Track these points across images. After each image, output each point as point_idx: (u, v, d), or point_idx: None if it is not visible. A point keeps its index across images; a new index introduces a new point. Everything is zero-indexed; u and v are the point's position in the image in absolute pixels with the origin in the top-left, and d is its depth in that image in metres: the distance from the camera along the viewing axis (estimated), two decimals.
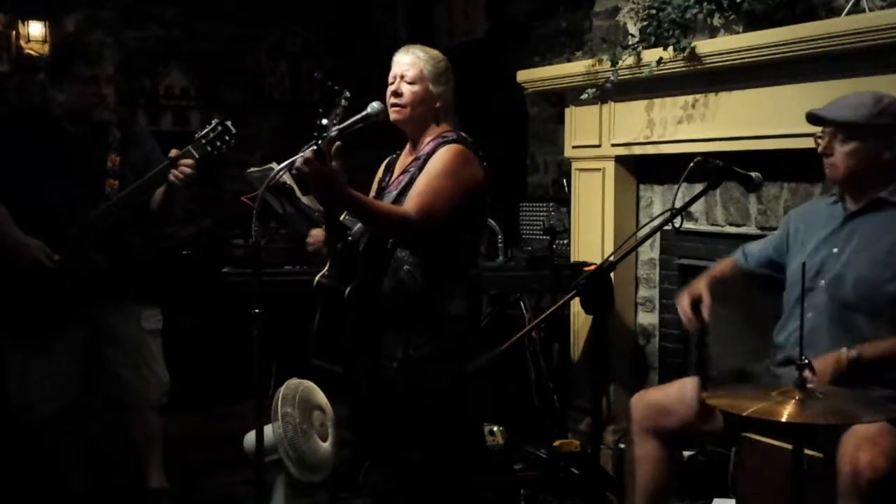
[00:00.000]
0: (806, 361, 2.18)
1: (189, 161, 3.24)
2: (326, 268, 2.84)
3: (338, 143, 2.60)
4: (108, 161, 3.37)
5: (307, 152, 2.53)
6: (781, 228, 3.03)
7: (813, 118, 2.78)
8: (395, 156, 3.01)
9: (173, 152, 3.26)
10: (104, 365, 3.45)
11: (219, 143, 3.31)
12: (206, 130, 3.31)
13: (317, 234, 2.94)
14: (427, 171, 2.74)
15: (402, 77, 2.82)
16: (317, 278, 2.84)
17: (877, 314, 2.66)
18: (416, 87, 2.80)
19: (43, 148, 3.29)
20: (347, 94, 2.67)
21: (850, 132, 2.70)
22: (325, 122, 2.58)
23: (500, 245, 4.26)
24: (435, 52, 2.88)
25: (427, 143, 2.83)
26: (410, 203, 2.70)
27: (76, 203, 3.27)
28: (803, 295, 2.45)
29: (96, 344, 3.43)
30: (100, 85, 3.32)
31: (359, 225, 2.80)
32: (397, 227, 2.72)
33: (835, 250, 2.76)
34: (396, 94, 2.81)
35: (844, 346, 2.63)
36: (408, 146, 2.92)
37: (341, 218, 2.78)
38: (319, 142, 2.53)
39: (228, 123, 3.33)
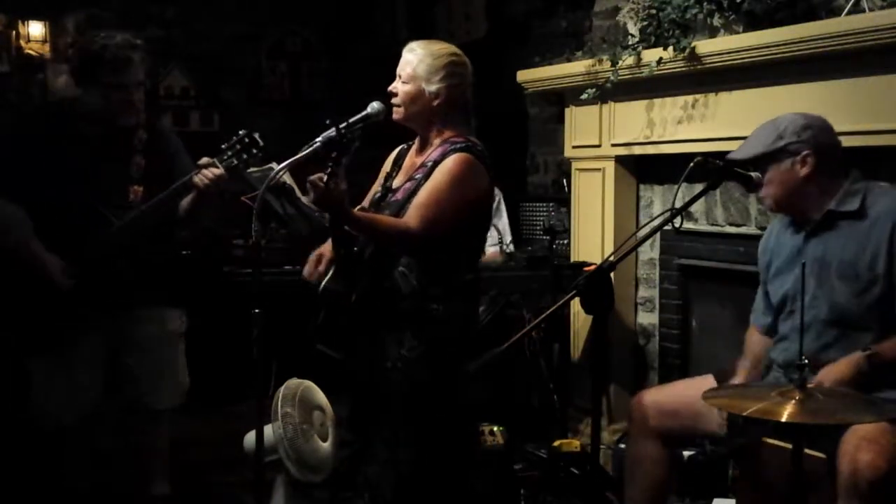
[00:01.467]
0: (806, 361, 2.19)
1: (217, 170, 3.16)
2: (332, 273, 2.84)
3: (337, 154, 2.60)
4: (132, 165, 3.29)
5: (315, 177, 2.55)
6: (760, 265, 3.03)
7: (732, 163, 2.84)
8: (405, 146, 2.98)
9: (204, 160, 3.18)
10: (126, 371, 3.39)
11: (245, 156, 3.21)
12: (232, 142, 3.22)
13: (312, 261, 2.90)
14: (433, 180, 2.72)
15: (399, 76, 2.82)
16: (323, 283, 2.83)
17: (863, 324, 2.68)
18: (408, 87, 2.79)
19: (65, 151, 3.21)
20: (358, 144, 2.67)
21: (762, 164, 2.76)
22: (331, 168, 2.56)
23: (501, 245, 4.26)
24: (437, 49, 2.83)
25: (436, 146, 2.80)
26: (412, 214, 2.69)
27: (98, 209, 3.20)
28: (803, 295, 2.44)
29: (119, 351, 3.38)
30: (130, 91, 3.25)
31: None
32: (399, 241, 2.71)
33: (806, 271, 2.76)
34: (392, 93, 2.81)
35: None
36: (416, 143, 2.91)
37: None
38: (326, 178, 2.54)
39: (256, 136, 3.22)
